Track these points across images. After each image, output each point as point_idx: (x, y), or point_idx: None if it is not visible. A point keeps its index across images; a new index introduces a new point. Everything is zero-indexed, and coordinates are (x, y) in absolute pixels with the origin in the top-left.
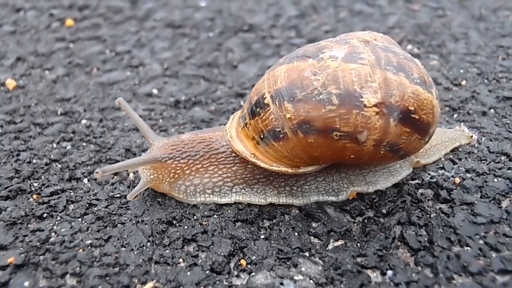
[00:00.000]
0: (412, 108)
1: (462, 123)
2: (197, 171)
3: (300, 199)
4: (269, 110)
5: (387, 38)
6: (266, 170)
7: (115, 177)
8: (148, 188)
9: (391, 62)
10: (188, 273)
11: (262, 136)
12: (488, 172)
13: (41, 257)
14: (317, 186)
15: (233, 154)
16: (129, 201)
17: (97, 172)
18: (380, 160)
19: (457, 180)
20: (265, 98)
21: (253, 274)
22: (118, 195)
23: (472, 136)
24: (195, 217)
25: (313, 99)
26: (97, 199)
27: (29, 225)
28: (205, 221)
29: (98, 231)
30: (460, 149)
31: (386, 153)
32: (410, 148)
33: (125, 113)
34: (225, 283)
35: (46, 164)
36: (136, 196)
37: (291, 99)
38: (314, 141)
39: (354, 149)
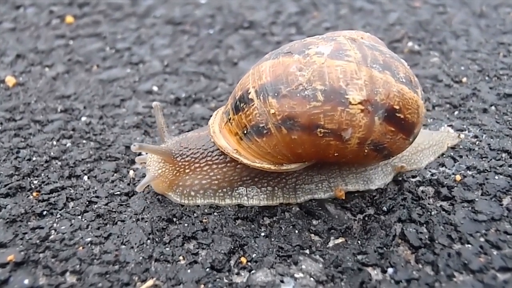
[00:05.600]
0: (397, 107)
1: (446, 125)
2: (194, 171)
3: (281, 199)
4: (253, 105)
5: (373, 38)
6: (253, 171)
7: (115, 174)
8: (148, 186)
9: (377, 60)
10: (188, 270)
11: (245, 132)
12: (489, 170)
13: (41, 255)
14: (296, 188)
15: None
16: (130, 198)
17: (134, 145)
18: (364, 159)
19: (458, 177)
20: (250, 93)
21: (253, 271)
22: (118, 192)
23: (459, 136)
24: (195, 214)
25: (298, 95)
26: (97, 197)
27: (29, 223)
28: (205, 219)
29: (98, 228)
30: (460, 146)
31: (370, 152)
32: (394, 147)
33: (155, 115)
34: (226, 280)
35: (46, 161)
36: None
37: (276, 94)
38: (298, 137)
39: (338, 146)
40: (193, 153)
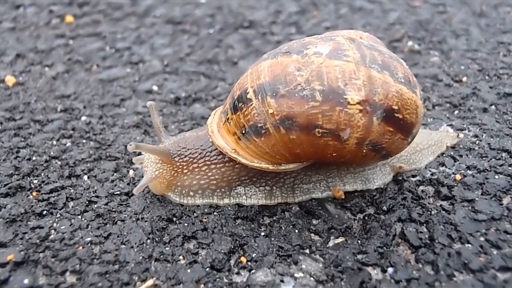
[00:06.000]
0: (395, 107)
1: (446, 125)
2: (192, 171)
3: (279, 198)
4: (251, 105)
5: (372, 37)
6: (251, 171)
7: (115, 174)
8: (147, 186)
9: (376, 60)
10: (188, 270)
11: (243, 132)
12: (489, 169)
13: (41, 255)
14: (294, 188)
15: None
16: (130, 197)
17: (130, 145)
18: (362, 159)
19: (458, 177)
20: (248, 93)
21: (253, 271)
22: (118, 192)
23: (458, 135)
24: (195, 214)
25: (296, 95)
26: (97, 196)
27: (28, 222)
28: (205, 218)
29: (98, 228)
30: (460, 146)
31: (368, 152)
32: (392, 148)
33: (150, 115)
34: (225, 280)
35: (46, 161)
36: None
37: (274, 94)
38: (296, 137)
39: (336, 147)
40: (191, 153)
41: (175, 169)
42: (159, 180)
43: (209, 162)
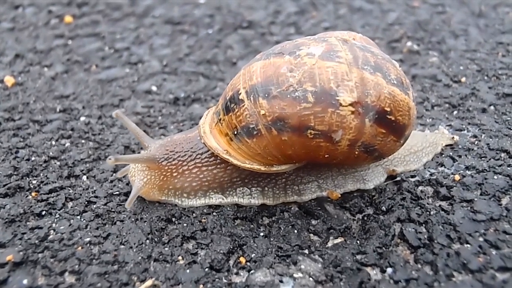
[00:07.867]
0: (388, 109)
1: (442, 126)
2: (182, 174)
3: (271, 199)
4: (243, 106)
5: (365, 39)
6: (243, 172)
7: (114, 174)
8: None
9: (369, 61)
10: (187, 270)
11: (235, 133)
12: (488, 169)
13: (40, 255)
14: (286, 188)
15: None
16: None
17: (110, 159)
18: (355, 161)
19: (457, 177)
20: (240, 93)
21: (252, 271)
22: (117, 192)
23: (453, 137)
24: (194, 214)
25: (288, 96)
26: (96, 197)
27: (27, 223)
28: (204, 219)
29: (97, 228)
30: (459, 146)
31: (360, 153)
32: (385, 149)
33: (122, 123)
34: (225, 280)
35: (45, 161)
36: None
37: (266, 95)
38: (288, 139)
39: (329, 148)
40: (180, 156)
41: (164, 173)
42: (148, 187)
43: (200, 164)
